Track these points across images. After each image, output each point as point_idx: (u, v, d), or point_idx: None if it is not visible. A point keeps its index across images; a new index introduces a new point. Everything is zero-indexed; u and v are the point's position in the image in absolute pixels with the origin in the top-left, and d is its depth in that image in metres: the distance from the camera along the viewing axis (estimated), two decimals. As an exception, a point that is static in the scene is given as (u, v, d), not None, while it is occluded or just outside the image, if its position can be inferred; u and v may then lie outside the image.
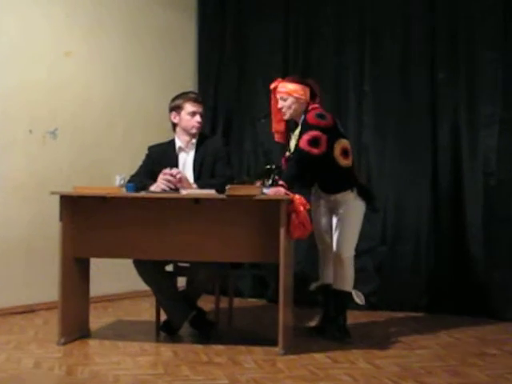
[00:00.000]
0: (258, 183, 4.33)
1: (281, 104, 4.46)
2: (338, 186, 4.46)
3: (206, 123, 6.34)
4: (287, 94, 4.43)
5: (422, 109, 5.52)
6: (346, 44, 5.81)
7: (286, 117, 4.48)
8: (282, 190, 4.08)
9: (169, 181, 4.31)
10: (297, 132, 4.41)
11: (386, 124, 5.63)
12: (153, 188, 4.35)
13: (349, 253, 4.46)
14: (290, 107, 4.44)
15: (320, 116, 4.34)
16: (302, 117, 4.41)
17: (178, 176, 4.30)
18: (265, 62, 6.13)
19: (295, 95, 4.42)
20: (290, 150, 4.48)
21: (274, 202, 4.05)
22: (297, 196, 4.09)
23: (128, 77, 6.04)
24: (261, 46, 6.21)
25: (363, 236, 5.45)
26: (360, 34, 5.74)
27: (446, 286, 5.38)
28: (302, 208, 4.05)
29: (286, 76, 4.76)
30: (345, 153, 4.41)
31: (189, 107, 4.54)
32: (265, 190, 4.12)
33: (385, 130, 5.64)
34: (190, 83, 6.39)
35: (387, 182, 5.60)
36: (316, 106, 4.43)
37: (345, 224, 4.44)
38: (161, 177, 4.35)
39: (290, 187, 4.14)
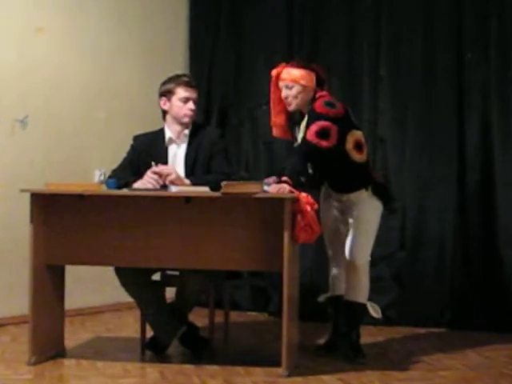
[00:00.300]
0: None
1: (285, 93, 4.44)
2: (350, 184, 4.46)
3: (200, 111, 6.35)
4: (293, 81, 4.41)
5: (446, 95, 5.51)
6: (359, 21, 5.79)
7: (292, 107, 4.46)
8: (285, 186, 4.06)
9: (157, 181, 4.29)
10: (304, 123, 4.39)
11: (405, 113, 5.63)
12: (137, 185, 4.33)
13: (363, 259, 4.45)
14: (296, 97, 4.42)
15: (329, 104, 4.33)
16: (309, 106, 4.40)
17: (170, 178, 4.25)
18: (265, 44, 6.12)
19: (302, 82, 4.41)
20: (297, 140, 4.47)
21: (277, 201, 4.03)
22: (303, 194, 4.07)
23: (109, 57, 6.03)
24: (261, 24, 6.20)
25: (379, 241, 5.44)
26: (375, 10, 5.73)
27: (474, 298, 5.37)
28: (308, 208, 4.04)
29: (290, 60, 4.74)
30: (358, 146, 4.41)
31: (181, 92, 4.52)
32: (266, 188, 4.10)
33: (404, 120, 5.63)
34: (180, 66, 6.37)
35: (407, 180, 5.59)
36: (324, 93, 4.43)
37: (359, 227, 4.43)
38: (148, 174, 4.33)
39: (295, 184, 4.12)
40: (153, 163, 4.37)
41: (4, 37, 5.38)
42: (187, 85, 4.55)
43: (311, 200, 4.08)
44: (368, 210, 4.44)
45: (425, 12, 5.59)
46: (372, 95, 5.72)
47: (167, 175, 4.27)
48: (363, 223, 4.44)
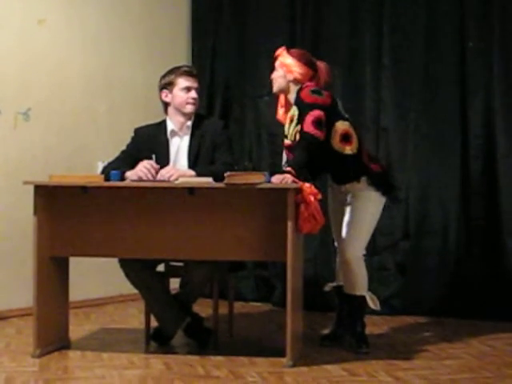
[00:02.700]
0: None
1: (273, 73, 4.49)
2: (342, 175, 4.45)
3: (202, 101, 6.34)
4: (280, 65, 4.46)
5: (449, 84, 5.49)
6: (362, 8, 5.77)
7: (274, 89, 4.51)
8: (289, 177, 4.05)
9: (150, 171, 4.26)
10: (291, 113, 4.39)
11: (408, 102, 5.61)
12: (129, 174, 4.31)
13: (355, 252, 4.40)
14: (276, 80, 4.48)
15: (316, 92, 4.32)
16: (295, 95, 4.40)
17: (173, 179, 4.20)
18: (268, 35, 6.08)
19: (285, 70, 4.43)
20: (287, 136, 4.46)
21: (280, 192, 4.03)
22: (306, 184, 4.05)
23: (112, 49, 6.02)
24: (264, 15, 6.18)
25: (383, 230, 5.48)
26: (378, -1, 5.72)
27: (478, 288, 5.37)
28: (312, 198, 4.03)
29: (293, 47, 4.74)
30: (346, 138, 4.37)
31: (182, 82, 4.52)
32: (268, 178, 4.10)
33: (407, 110, 5.62)
34: (182, 56, 6.36)
35: (410, 169, 5.59)
36: (310, 83, 4.40)
37: (353, 219, 4.41)
38: (143, 163, 4.31)
39: (298, 175, 4.11)
40: (153, 156, 4.36)
41: (6, 29, 5.37)
42: (188, 74, 4.54)
43: (315, 190, 4.06)
44: (364, 201, 4.40)
45: (427, 1, 5.56)
46: (375, 84, 5.71)
47: (169, 177, 4.23)
48: (358, 214, 4.40)
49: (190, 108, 4.52)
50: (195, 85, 4.54)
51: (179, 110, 4.54)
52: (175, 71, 4.57)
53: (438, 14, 5.53)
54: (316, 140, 4.19)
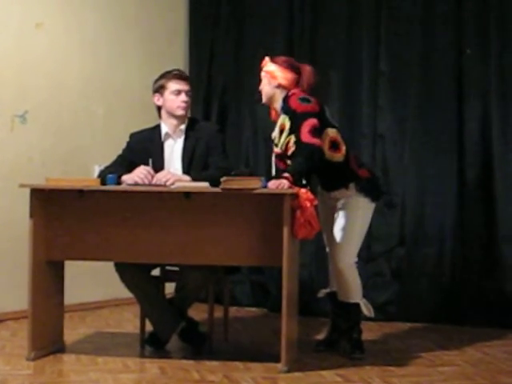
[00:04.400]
0: None
1: (260, 85, 4.51)
2: (330, 183, 4.45)
3: (199, 106, 6.35)
4: (265, 74, 4.48)
5: (446, 91, 5.50)
6: (359, 14, 5.78)
7: (263, 100, 4.52)
8: (285, 182, 4.05)
9: (146, 176, 4.26)
10: (280, 122, 4.39)
11: (405, 108, 5.61)
12: (125, 178, 4.32)
13: (347, 260, 4.39)
14: (262, 89, 4.49)
15: (304, 100, 4.31)
16: (281, 104, 4.39)
17: (169, 184, 4.21)
18: (265, 38, 6.09)
19: (268, 77, 4.44)
20: (276, 145, 4.45)
21: (277, 197, 4.03)
22: (302, 190, 4.06)
23: (109, 53, 6.02)
24: (262, 18, 6.19)
25: (378, 236, 5.50)
26: (375, 5, 5.71)
27: (474, 294, 5.37)
28: (308, 204, 4.03)
29: (291, 52, 4.75)
30: (334, 145, 4.36)
31: (172, 85, 4.53)
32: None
33: (403, 116, 5.62)
34: (179, 60, 6.37)
35: (406, 175, 5.58)
36: (296, 90, 4.39)
37: (343, 226, 4.39)
38: (139, 169, 4.32)
39: (295, 182, 4.10)
40: (150, 160, 4.36)
41: (3, 32, 5.36)
42: (178, 77, 4.55)
43: (311, 196, 4.06)
44: (352, 209, 4.37)
45: (424, 7, 5.57)
46: (372, 90, 5.71)
47: (165, 182, 4.23)
48: (346, 222, 4.37)
49: (180, 111, 4.53)
50: (186, 88, 4.55)
51: (171, 114, 4.55)
52: (166, 75, 4.59)
53: (435, 20, 5.54)
54: (317, 149, 4.19)
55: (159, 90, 4.56)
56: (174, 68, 4.70)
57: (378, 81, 5.69)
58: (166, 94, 4.54)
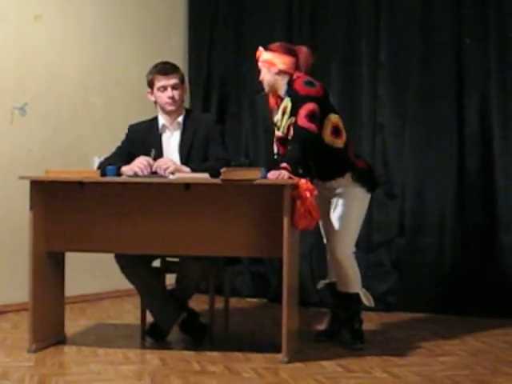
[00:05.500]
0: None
1: (260, 75, 4.49)
2: (329, 171, 4.42)
3: (199, 97, 6.34)
4: (262, 63, 4.47)
5: (446, 82, 5.49)
6: (359, 8, 5.76)
7: (266, 90, 4.50)
8: (285, 173, 4.04)
9: (146, 167, 4.26)
10: (284, 105, 4.38)
11: (405, 100, 5.60)
12: (124, 169, 4.31)
13: (344, 251, 4.38)
14: (263, 79, 4.47)
15: (309, 83, 4.30)
16: (285, 87, 4.38)
17: (169, 171, 4.20)
18: (265, 30, 6.07)
19: (267, 65, 4.43)
20: (278, 128, 4.44)
21: (277, 188, 4.03)
22: (302, 180, 4.05)
23: (108, 45, 6.01)
24: (261, 10, 6.18)
25: (378, 226, 5.50)
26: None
27: (474, 284, 5.38)
28: (308, 194, 4.02)
29: (291, 43, 4.73)
30: (336, 131, 4.36)
31: (157, 82, 4.48)
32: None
33: (403, 107, 5.61)
34: (178, 52, 6.36)
35: (406, 165, 5.58)
36: (301, 74, 4.38)
37: (340, 217, 4.38)
38: (139, 159, 4.32)
39: (294, 171, 4.10)
40: (152, 150, 4.35)
41: (2, 24, 5.36)
42: (162, 73, 4.47)
43: (311, 186, 4.05)
44: (348, 200, 4.37)
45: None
46: (372, 82, 5.70)
47: (165, 169, 4.24)
48: (344, 212, 4.37)
49: (168, 107, 4.49)
50: (171, 82, 4.46)
51: (162, 109, 4.53)
52: (152, 70, 4.53)
53: (434, 11, 5.52)
54: (311, 134, 4.18)
55: (150, 85, 4.53)
56: (163, 61, 4.60)
57: (377, 72, 5.67)
58: (155, 90, 4.50)
